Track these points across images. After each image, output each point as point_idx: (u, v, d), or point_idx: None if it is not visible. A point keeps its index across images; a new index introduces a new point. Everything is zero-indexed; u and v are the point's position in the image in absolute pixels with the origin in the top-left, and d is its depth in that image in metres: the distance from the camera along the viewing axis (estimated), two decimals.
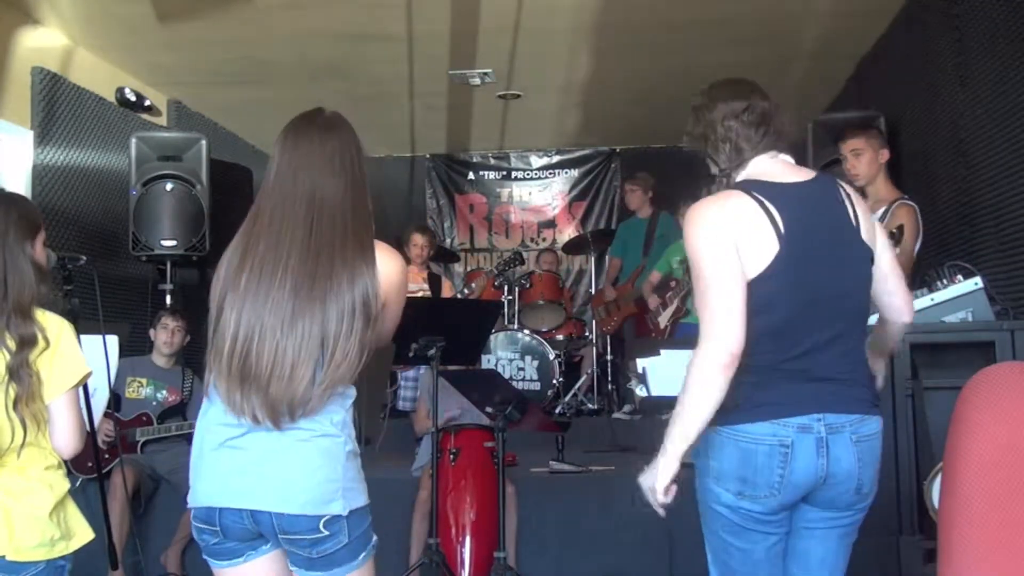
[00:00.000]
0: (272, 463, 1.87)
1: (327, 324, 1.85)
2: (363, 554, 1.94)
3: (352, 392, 1.96)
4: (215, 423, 1.92)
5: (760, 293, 2.01)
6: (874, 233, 2.14)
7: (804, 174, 2.16)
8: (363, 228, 1.94)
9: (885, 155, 3.97)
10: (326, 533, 1.87)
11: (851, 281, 2.09)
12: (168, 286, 5.51)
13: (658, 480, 1.99)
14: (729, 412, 2.01)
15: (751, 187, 2.08)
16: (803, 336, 2.03)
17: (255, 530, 1.89)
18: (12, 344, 2.11)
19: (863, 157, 3.91)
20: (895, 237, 3.53)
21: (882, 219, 3.87)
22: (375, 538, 1.97)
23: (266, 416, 1.85)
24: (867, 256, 2.10)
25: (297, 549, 1.89)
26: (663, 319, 5.83)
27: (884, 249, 2.16)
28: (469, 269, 8.36)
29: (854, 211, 2.11)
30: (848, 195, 2.13)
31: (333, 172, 1.93)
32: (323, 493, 1.87)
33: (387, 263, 1.97)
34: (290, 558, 1.94)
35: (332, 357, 1.85)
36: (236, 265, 1.91)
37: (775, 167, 2.14)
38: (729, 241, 2.00)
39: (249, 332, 1.85)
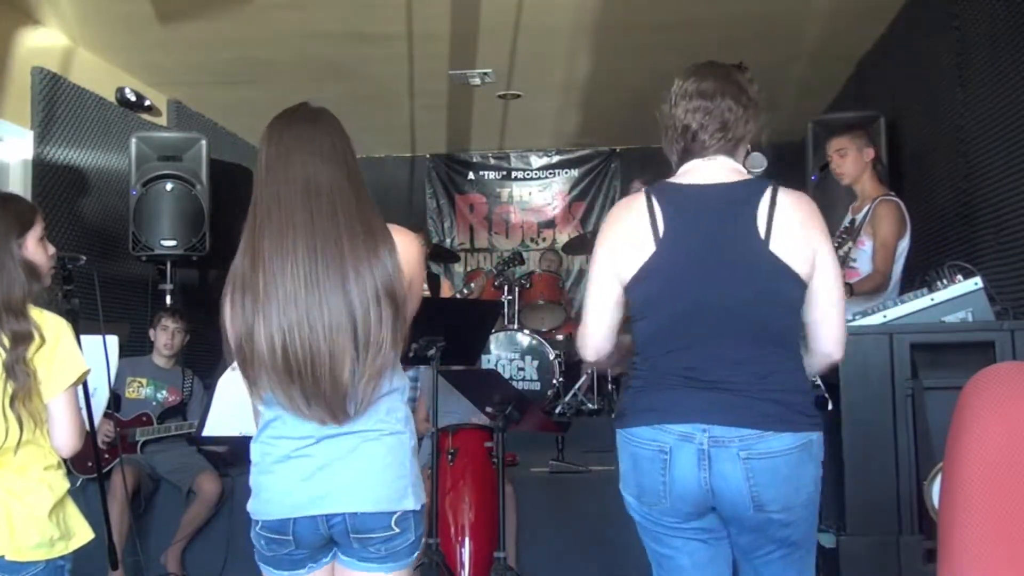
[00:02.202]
0: (342, 464, 1.87)
1: (353, 312, 1.82)
2: (416, 552, 1.96)
3: (407, 385, 1.98)
4: (276, 437, 1.90)
5: (638, 295, 2.04)
6: (803, 250, 1.96)
7: (732, 176, 2.05)
8: (367, 210, 1.91)
9: (870, 154, 4.01)
10: (397, 530, 1.88)
11: (744, 291, 1.95)
12: (168, 286, 5.51)
13: None
14: (623, 416, 2.05)
15: (655, 189, 2.07)
16: (688, 342, 1.98)
17: (327, 535, 1.89)
18: (6, 341, 2.11)
19: (848, 156, 3.97)
20: (848, 233, 3.56)
21: (865, 217, 3.89)
22: (424, 541, 2.00)
23: (327, 415, 1.84)
24: (774, 269, 1.95)
25: (365, 546, 1.89)
26: None
27: (824, 273, 1.98)
28: (469, 269, 8.36)
29: (769, 222, 1.95)
30: (774, 204, 1.97)
31: (324, 158, 1.90)
32: (396, 490, 1.88)
33: (403, 240, 1.94)
34: (343, 551, 1.93)
35: (367, 347, 1.82)
36: (249, 269, 1.86)
37: (708, 168, 2.06)
38: (612, 257, 2.07)
39: (282, 335, 1.81)
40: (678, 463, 1.95)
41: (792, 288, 1.97)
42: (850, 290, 3.63)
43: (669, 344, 2.00)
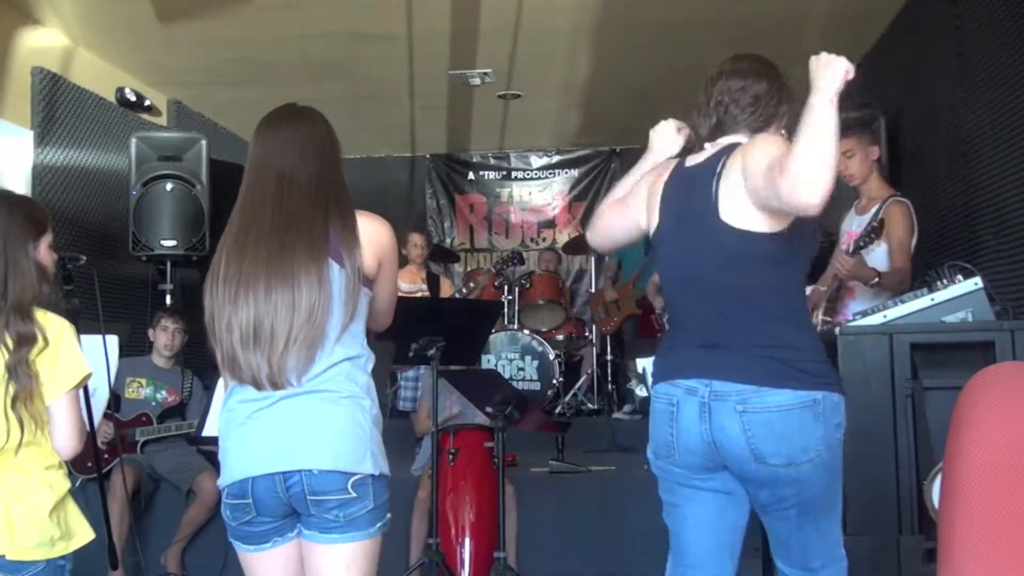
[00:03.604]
0: (300, 423, 1.92)
1: (299, 291, 1.91)
2: (380, 523, 1.97)
3: (369, 354, 2.03)
4: (236, 402, 1.97)
5: (657, 262, 2.33)
6: (744, 199, 2.02)
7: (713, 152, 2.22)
8: (339, 200, 2.01)
9: (875, 152, 3.97)
10: (354, 495, 1.90)
11: (710, 258, 2.11)
12: (168, 286, 5.51)
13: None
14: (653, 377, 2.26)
15: (675, 165, 2.29)
16: (687, 307, 2.20)
17: (286, 500, 1.92)
18: (10, 343, 2.11)
19: (855, 158, 3.92)
20: (876, 231, 3.56)
21: (875, 217, 3.88)
22: (389, 516, 2.00)
23: (268, 381, 1.91)
24: (727, 235, 2.06)
25: (322, 511, 1.91)
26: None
27: (748, 171, 2.00)
28: (469, 269, 8.36)
29: (716, 191, 2.09)
30: (721, 172, 2.09)
31: (302, 153, 2.01)
32: (353, 451, 1.92)
33: (372, 226, 2.05)
34: (305, 524, 1.96)
35: (305, 319, 1.90)
36: (218, 252, 1.99)
37: (709, 147, 2.23)
38: (642, 202, 2.32)
39: (231, 308, 1.93)
40: (683, 415, 2.11)
41: (751, 245, 2.05)
42: (878, 276, 3.60)
43: (676, 309, 2.27)
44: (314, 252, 1.93)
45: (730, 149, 2.13)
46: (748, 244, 2.05)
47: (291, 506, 1.93)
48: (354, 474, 1.91)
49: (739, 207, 2.05)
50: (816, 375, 2.06)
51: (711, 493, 2.15)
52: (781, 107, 2.22)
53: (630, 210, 2.35)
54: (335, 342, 1.95)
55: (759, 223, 2.04)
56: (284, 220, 1.95)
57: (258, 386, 1.92)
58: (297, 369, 1.91)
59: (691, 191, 2.18)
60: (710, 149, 2.22)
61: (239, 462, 1.95)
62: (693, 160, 2.24)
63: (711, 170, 2.13)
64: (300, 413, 1.92)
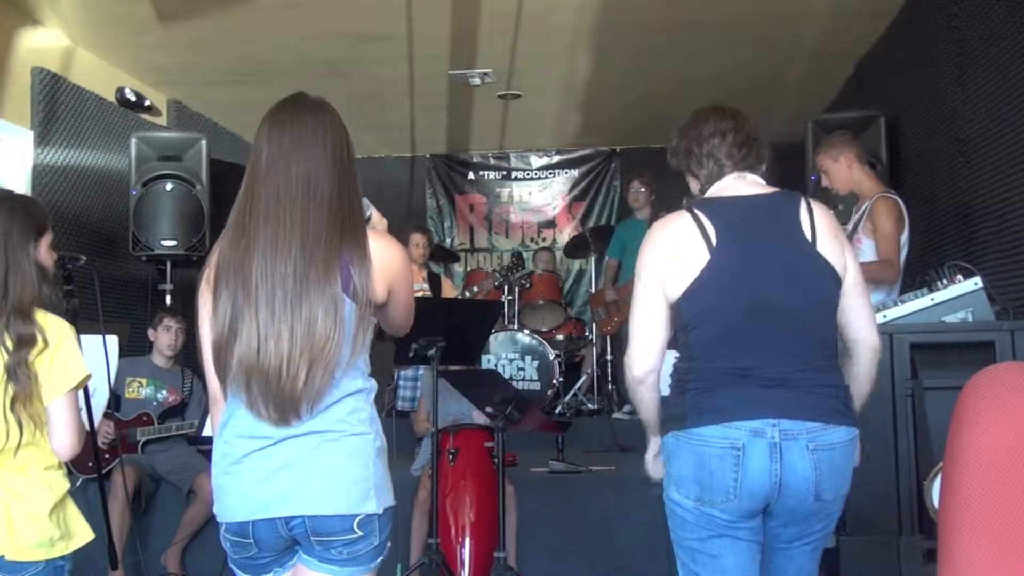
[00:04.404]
0: (301, 466, 1.84)
1: (315, 313, 1.80)
2: (380, 558, 1.92)
3: (372, 385, 1.94)
4: (235, 436, 1.87)
5: (693, 307, 2.10)
6: (839, 251, 2.12)
7: (764, 189, 2.21)
8: (355, 214, 1.89)
9: (848, 158, 3.90)
10: (360, 534, 1.85)
11: (797, 292, 2.07)
12: (168, 286, 5.52)
13: (648, 455, 2.35)
14: (682, 418, 2.10)
15: (697, 204, 2.18)
16: (747, 344, 2.06)
17: (288, 538, 1.86)
18: (10, 343, 2.11)
19: (830, 172, 3.98)
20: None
21: (862, 216, 3.88)
22: (389, 544, 1.95)
23: (277, 415, 1.82)
24: (823, 269, 2.09)
25: (328, 548, 1.86)
26: None
27: (854, 270, 2.16)
28: (469, 269, 8.36)
29: (812, 226, 2.10)
30: (811, 211, 2.13)
31: (326, 157, 1.87)
32: (357, 492, 1.85)
33: (386, 250, 1.92)
34: (305, 551, 1.90)
35: (322, 350, 1.80)
36: (238, 260, 1.84)
37: (739, 184, 2.20)
38: (659, 275, 2.13)
39: (258, 335, 1.80)
40: (751, 459, 2.02)
41: (834, 288, 2.12)
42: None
43: (729, 348, 2.08)
44: (330, 278, 1.82)
45: (799, 196, 2.16)
46: (833, 282, 2.11)
47: (293, 540, 1.88)
48: (359, 514, 1.85)
49: (830, 247, 2.11)
50: (852, 412, 2.13)
51: (747, 543, 2.10)
52: (764, 145, 2.25)
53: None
54: (342, 377, 1.86)
55: (839, 266, 2.11)
56: (313, 242, 1.81)
57: (258, 415, 1.83)
58: (306, 404, 1.82)
59: (764, 222, 2.14)
60: (744, 184, 2.20)
61: (238, 502, 1.86)
62: (736, 191, 2.19)
63: (787, 207, 2.14)
64: (302, 455, 1.84)
